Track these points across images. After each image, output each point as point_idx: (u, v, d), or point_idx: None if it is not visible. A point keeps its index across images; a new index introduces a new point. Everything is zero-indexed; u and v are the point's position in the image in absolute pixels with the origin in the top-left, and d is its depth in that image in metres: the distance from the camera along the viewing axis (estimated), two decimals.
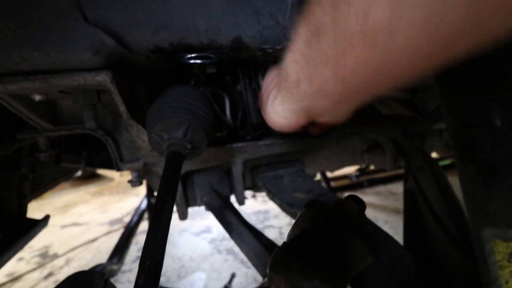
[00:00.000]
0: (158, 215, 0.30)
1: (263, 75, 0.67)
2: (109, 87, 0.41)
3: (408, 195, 0.62)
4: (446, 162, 1.95)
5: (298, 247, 0.19)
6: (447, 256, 0.42)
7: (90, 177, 3.22)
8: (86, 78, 0.40)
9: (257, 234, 0.48)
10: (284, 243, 0.19)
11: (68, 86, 0.40)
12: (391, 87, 0.21)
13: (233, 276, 1.03)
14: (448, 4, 0.14)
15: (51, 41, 0.37)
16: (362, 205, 0.23)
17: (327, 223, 0.20)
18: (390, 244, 0.41)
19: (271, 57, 0.51)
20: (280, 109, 0.32)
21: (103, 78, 0.40)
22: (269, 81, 0.38)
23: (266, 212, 2.20)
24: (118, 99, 0.43)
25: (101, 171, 3.09)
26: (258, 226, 1.97)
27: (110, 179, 3.28)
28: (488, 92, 0.22)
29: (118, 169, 0.51)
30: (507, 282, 0.21)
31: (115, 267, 0.61)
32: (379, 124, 0.53)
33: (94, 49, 0.38)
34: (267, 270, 0.18)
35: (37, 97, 0.43)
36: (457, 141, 0.24)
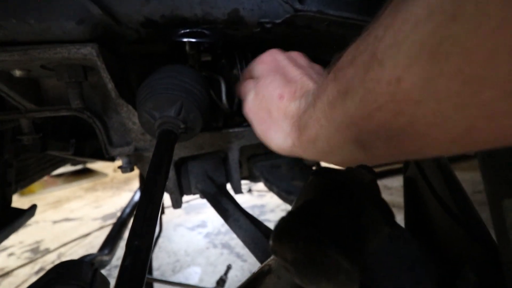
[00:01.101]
0: (148, 194, 0.27)
1: None
2: (95, 62, 0.38)
3: (408, 182, 0.61)
4: None
5: (306, 215, 0.16)
6: (453, 240, 0.40)
7: (83, 173, 3.17)
8: (70, 51, 0.37)
9: (254, 221, 0.46)
10: (289, 212, 0.17)
11: (50, 59, 0.37)
12: (413, 157, 0.20)
13: (228, 268, 1.01)
14: (484, 80, 0.12)
15: (30, 8, 0.34)
16: (374, 174, 0.21)
17: (338, 190, 0.18)
18: (395, 229, 0.40)
19: (270, 35, 0.49)
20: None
21: (89, 51, 0.37)
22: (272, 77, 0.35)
23: (262, 206, 2.19)
24: (105, 75, 0.40)
25: (94, 166, 3.03)
26: None
27: (104, 175, 3.23)
28: None
29: (107, 153, 0.48)
30: None
31: (105, 257, 0.59)
32: None
33: (78, 18, 0.35)
34: (270, 242, 0.16)
35: (18, 73, 0.39)
36: None
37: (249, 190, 2.50)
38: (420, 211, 0.52)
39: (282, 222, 0.16)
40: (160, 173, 0.30)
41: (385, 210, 0.17)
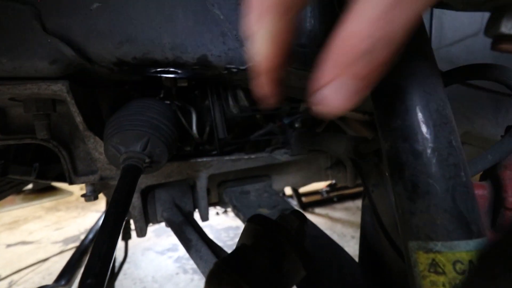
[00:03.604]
0: (105, 231, 0.29)
1: (232, 93, 0.69)
2: (65, 97, 0.40)
3: (364, 211, 0.65)
4: None
5: (234, 261, 0.19)
6: (395, 270, 0.45)
7: (45, 190, 2.95)
8: (40, 87, 0.38)
9: (217, 252, 0.48)
10: (222, 258, 0.20)
11: (20, 94, 0.39)
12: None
13: None
14: None
15: (4, 48, 0.35)
16: (303, 220, 0.24)
17: (266, 237, 0.21)
18: (343, 259, 0.43)
19: (238, 76, 0.53)
20: None
21: (59, 88, 0.39)
22: None
23: (237, 228, 2.17)
24: (74, 109, 0.41)
25: (58, 184, 2.85)
26: (229, 242, 1.93)
27: (69, 193, 3.03)
28: (413, 118, 0.25)
29: (71, 182, 0.49)
30: None
31: None
32: (336, 143, 0.57)
33: (51, 59, 0.37)
34: (204, 285, 0.18)
35: None
36: (389, 161, 0.27)
37: (225, 211, 2.47)
38: (371, 239, 0.57)
39: (214, 267, 0.19)
40: (119, 209, 0.32)
41: (304, 256, 0.20)
